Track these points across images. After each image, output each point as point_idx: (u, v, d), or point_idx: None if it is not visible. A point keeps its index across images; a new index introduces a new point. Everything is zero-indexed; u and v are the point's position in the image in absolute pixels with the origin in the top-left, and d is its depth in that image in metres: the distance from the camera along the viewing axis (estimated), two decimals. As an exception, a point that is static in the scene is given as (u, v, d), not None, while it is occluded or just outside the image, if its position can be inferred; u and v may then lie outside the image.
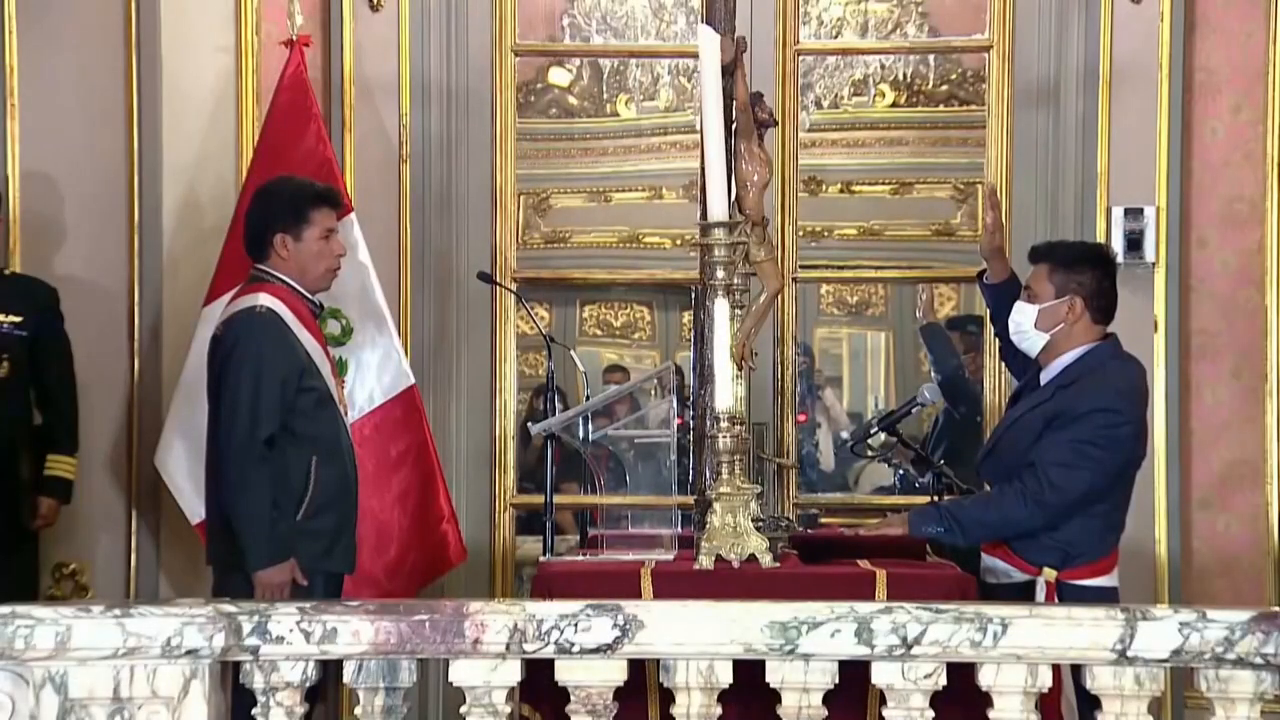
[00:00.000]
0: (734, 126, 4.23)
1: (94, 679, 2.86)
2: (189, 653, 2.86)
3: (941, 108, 7.84)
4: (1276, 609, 2.92)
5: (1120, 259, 5.19)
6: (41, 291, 5.02)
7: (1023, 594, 4.00)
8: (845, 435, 7.54)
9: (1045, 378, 4.10)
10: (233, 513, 4.11)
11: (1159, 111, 5.22)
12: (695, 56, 4.47)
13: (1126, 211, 5.23)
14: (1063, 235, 5.32)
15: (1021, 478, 3.96)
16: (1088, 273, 4.07)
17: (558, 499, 4.73)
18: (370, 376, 5.08)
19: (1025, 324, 4.10)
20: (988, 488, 4.26)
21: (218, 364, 4.18)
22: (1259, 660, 2.83)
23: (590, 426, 4.91)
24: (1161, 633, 2.85)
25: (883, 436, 4.83)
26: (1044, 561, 4.00)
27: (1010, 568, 4.04)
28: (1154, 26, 5.22)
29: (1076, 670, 3.01)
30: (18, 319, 4.94)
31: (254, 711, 2.96)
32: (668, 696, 3.01)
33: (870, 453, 5.12)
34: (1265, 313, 5.23)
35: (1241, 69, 5.24)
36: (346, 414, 4.39)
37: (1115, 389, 3.99)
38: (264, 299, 4.17)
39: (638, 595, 3.83)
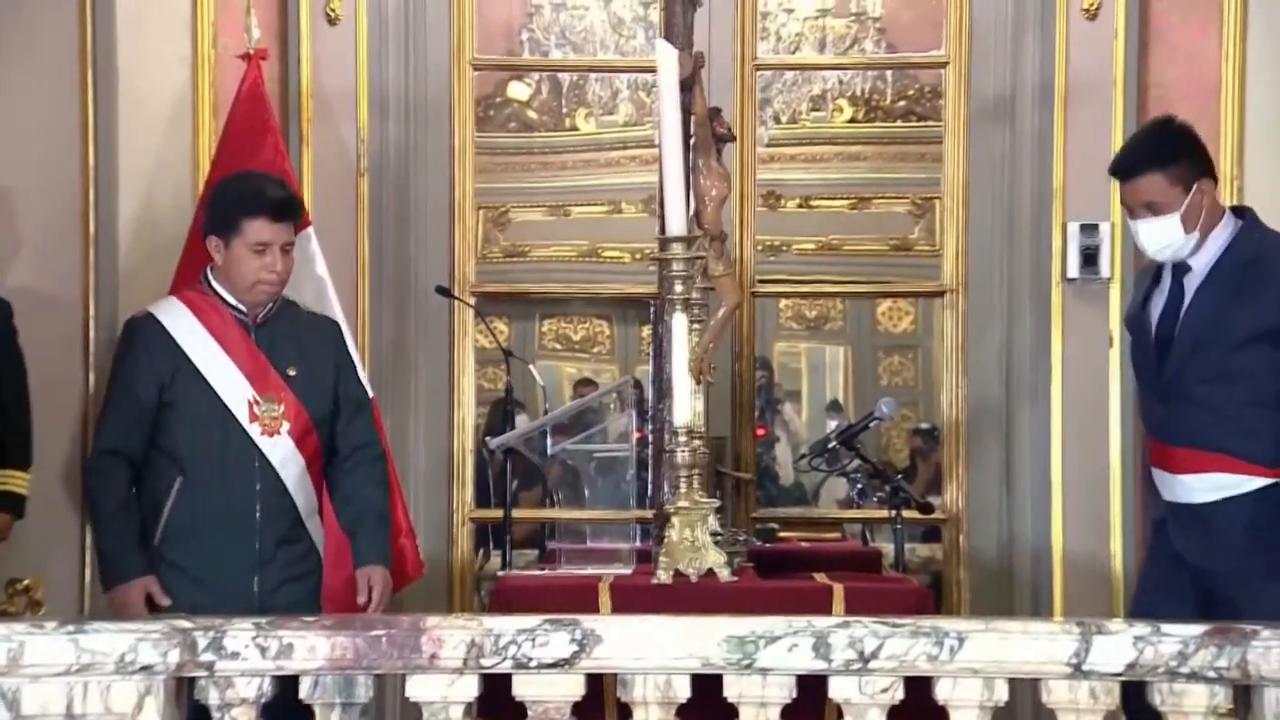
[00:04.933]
0: (692, 141, 4.25)
1: (47, 696, 2.84)
2: (143, 669, 2.84)
3: (899, 123, 7.89)
4: (1229, 623, 2.94)
5: (1076, 275, 5.24)
6: None
7: (1258, 505, 3.75)
8: (804, 449, 7.56)
9: (1202, 263, 3.85)
10: (92, 521, 4.11)
11: (1114, 127, 5.24)
12: (654, 71, 4.48)
13: (1082, 227, 5.25)
14: (1018, 250, 5.37)
15: None
16: (1192, 149, 3.89)
17: (516, 513, 4.73)
18: (328, 390, 5.05)
19: (1174, 237, 3.84)
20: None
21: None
22: (1212, 674, 2.85)
23: (549, 441, 4.92)
24: (1116, 646, 2.86)
25: (840, 450, 4.85)
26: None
27: (1240, 477, 3.79)
28: (1109, 43, 5.25)
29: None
30: None
31: (209, 728, 2.94)
32: (625, 711, 3.01)
33: (826, 467, 5.14)
34: (1220, 329, 5.26)
35: (1195, 86, 5.28)
36: (274, 435, 4.06)
37: None
38: (156, 305, 4.14)
39: (596, 609, 3.84)
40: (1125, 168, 3.95)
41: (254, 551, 4.02)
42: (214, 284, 4.13)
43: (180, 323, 4.06)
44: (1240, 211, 3.99)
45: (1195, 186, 3.85)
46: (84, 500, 4.06)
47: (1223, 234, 3.88)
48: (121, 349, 4.13)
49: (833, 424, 8.06)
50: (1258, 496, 3.79)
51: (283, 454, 4.07)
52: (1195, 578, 3.87)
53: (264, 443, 4.04)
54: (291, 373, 4.12)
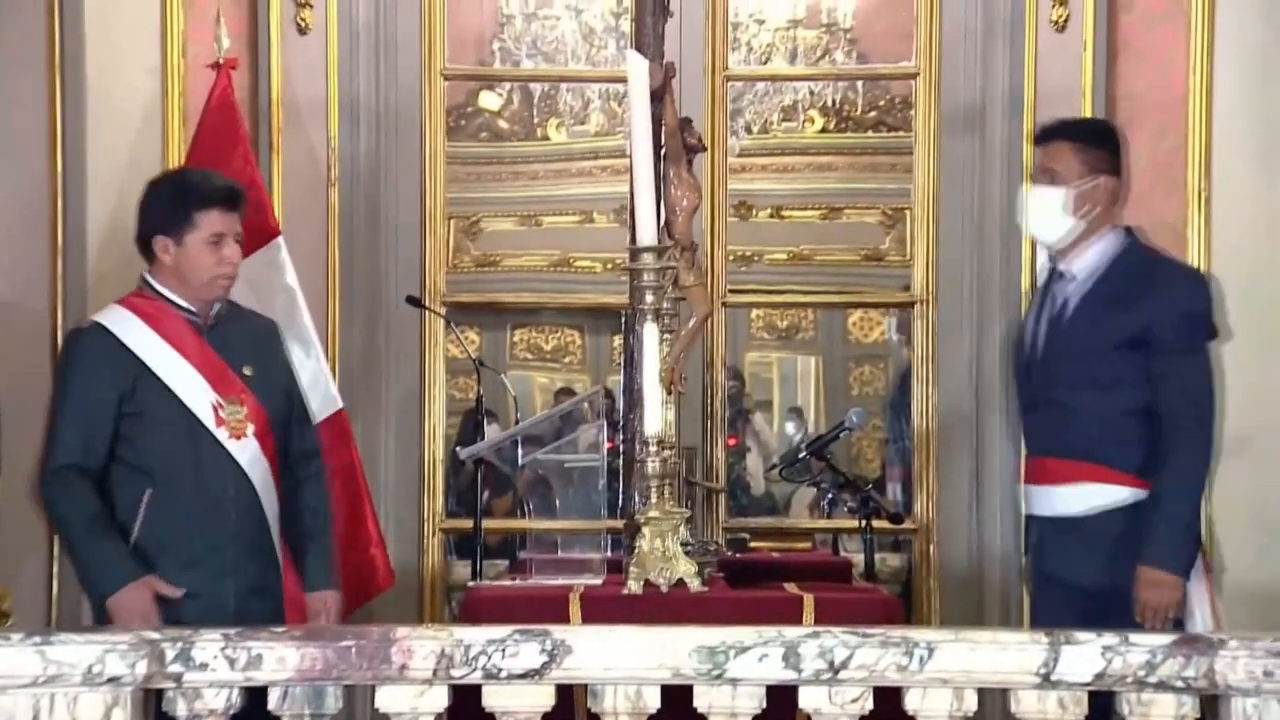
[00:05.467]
0: (663, 152, 4.26)
1: (13, 707, 2.82)
2: (111, 680, 2.83)
3: (870, 134, 7.89)
4: (1197, 633, 2.95)
5: (1046, 284, 5.26)
6: None
7: (1125, 519, 3.71)
8: (775, 459, 7.56)
9: (1079, 269, 3.82)
10: (66, 542, 3.97)
11: (1083, 139, 5.27)
12: (625, 82, 4.48)
13: (1052, 237, 5.27)
14: (989, 260, 5.39)
15: (1171, 410, 3.67)
16: (1118, 150, 3.87)
17: (487, 523, 4.72)
18: (298, 400, 5.03)
19: (1054, 210, 3.81)
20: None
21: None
22: (1180, 684, 2.86)
23: (521, 450, 4.91)
24: (1085, 656, 2.87)
25: (810, 459, 4.86)
26: (1150, 471, 3.72)
27: (1113, 488, 3.75)
28: (1077, 54, 5.28)
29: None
30: None
31: (177, 740, 2.93)
32: (596, 721, 3.01)
33: (797, 477, 5.14)
34: (1188, 338, 5.28)
35: (1163, 97, 5.31)
36: (240, 438, 3.98)
37: (1190, 278, 3.86)
38: (103, 315, 4.00)
39: (566, 620, 3.83)
40: (1043, 132, 3.96)
41: (228, 559, 3.96)
42: (158, 287, 4.02)
43: (132, 331, 3.95)
44: (1130, 230, 3.98)
45: (1098, 176, 3.81)
46: (49, 521, 3.93)
47: (1108, 244, 3.85)
48: (69, 361, 4.00)
49: (790, 427, 8.07)
50: (1129, 510, 3.75)
51: (250, 456, 4.01)
52: (1070, 598, 3.82)
53: (232, 446, 3.98)
54: (248, 372, 4.04)
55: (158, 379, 3.92)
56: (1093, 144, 3.86)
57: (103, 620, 3.86)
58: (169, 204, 4.01)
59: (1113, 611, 3.68)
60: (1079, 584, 3.80)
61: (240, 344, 4.09)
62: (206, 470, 3.95)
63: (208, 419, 3.95)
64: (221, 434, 3.95)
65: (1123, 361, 3.76)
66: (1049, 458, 3.84)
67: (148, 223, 4.04)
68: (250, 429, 3.99)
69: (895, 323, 6.77)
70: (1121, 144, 3.97)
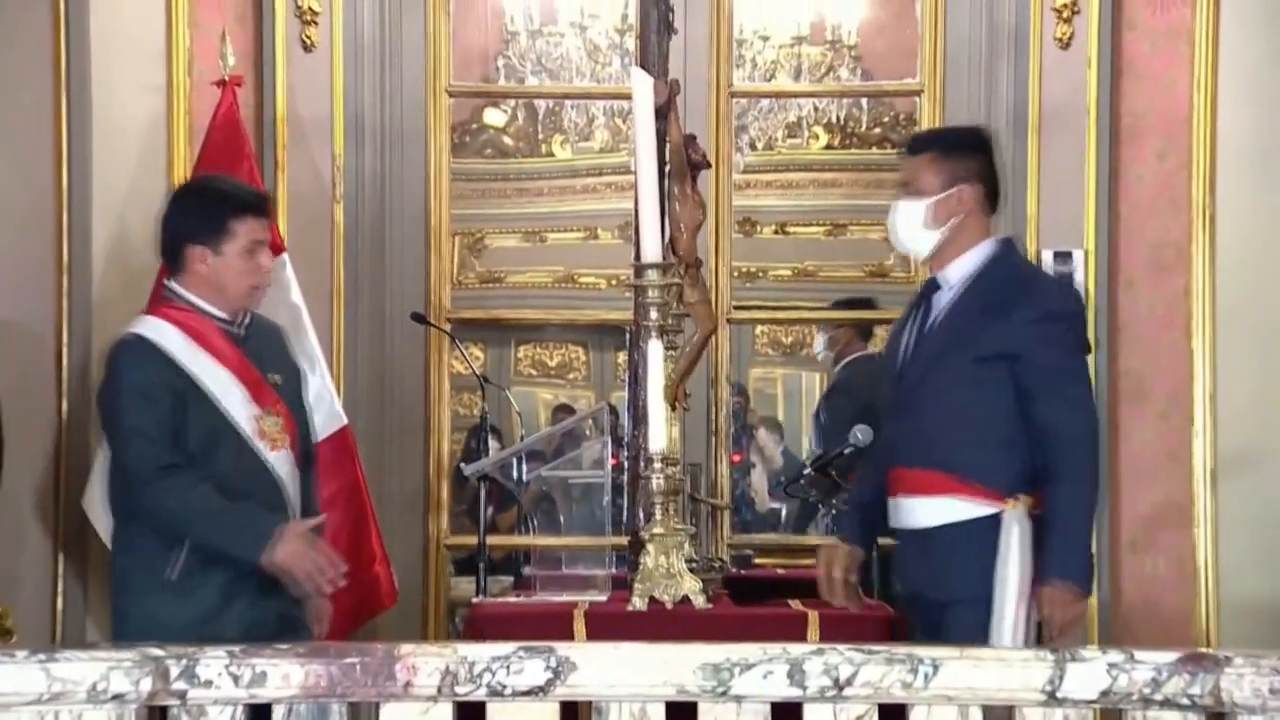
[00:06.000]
0: (668, 169, 4.26)
1: (18, 725, 2.82)
2: (115, 698, 2.82)
3: (874, 150, 7.91)
4: (1203, 650, 2.94)
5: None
6: None
7: (982, 535, 3.61)
8: (781, 476, 7.56)
9: (949, 280, 3.77)
10: (193, 536, 3.74)
11: (1087, 156, 5.28)
12: (630, 98, 4.49)
13: (1056, 254, 5.28)
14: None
15: (1051, 427, 3.59)
16: (977, 157, 3.80)
17: (492, 540, 4.72)
18: (302, 417, 5.03)
19: (914, 224, 3.76)
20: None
21: (102, 406, 3.90)
22: (1185, 701, 2.85)
23: (525, 467, 4.91)
24: (1090, 674, 2.86)
25: (815, 477, 4.85)
26: (1017, 487, 3.62)
27: (968, 503, 3.66)
28: (1082, 72, 5.29)
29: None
30: None
31: (181, 757, 2.92)
32: (600, 739, 3.00)
33: (802, 494, 5.14)
34: (1191, 356, 5.29)
35: (1167, 115, 5.31)
36: (278, 449, 3.89)
37: (1062, 290, 3.83)
38: (140, 326, 3.87)
39: (571, 637, 3.82)
40: (908, 146, 3.95)
41: (270, 575, 3.84)
42: (190, 297, 3.91)
43: (173, 341, 3.83)
44: (1007, 241, 3.93)
45: (956, 186, 3.75)
46: (164, 529, 3.74)
47: (980, 254, 3.77)
48: (121, 372, 3.82)
49: (766, 435, 8.03)
50: (982, 525, 3.65)
51: (288, 469, 3.94)
52: (922, 613, 3.76)
53: (270, 458, 3.89)
54: (278, 380, 3.96)
55: (200, 390, 3.81)
56: (952, 154, 3.79)
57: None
58: (203, 213, 3.90)
59: (956, 625, 3.62)
60: (930, 598, 3.75)
61: (267, 351, 4.01)
62: (249, 483, 3.85)
63: (249, 431, 3.85)
64: (263, 446, 3.87)
65: (987, 374, 3.67)
66: (908, 468, 3.76)
67: (180, 232, 3.92)
68: (285, 440, 3.92)
69: (827, 338, 6.72)
70: (980, 144, 3.88)
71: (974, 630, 3.57)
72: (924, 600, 3.78)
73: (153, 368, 3.79)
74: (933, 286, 3.85)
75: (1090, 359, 5.15)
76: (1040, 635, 3.63)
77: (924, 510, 3.73)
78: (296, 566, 3.78)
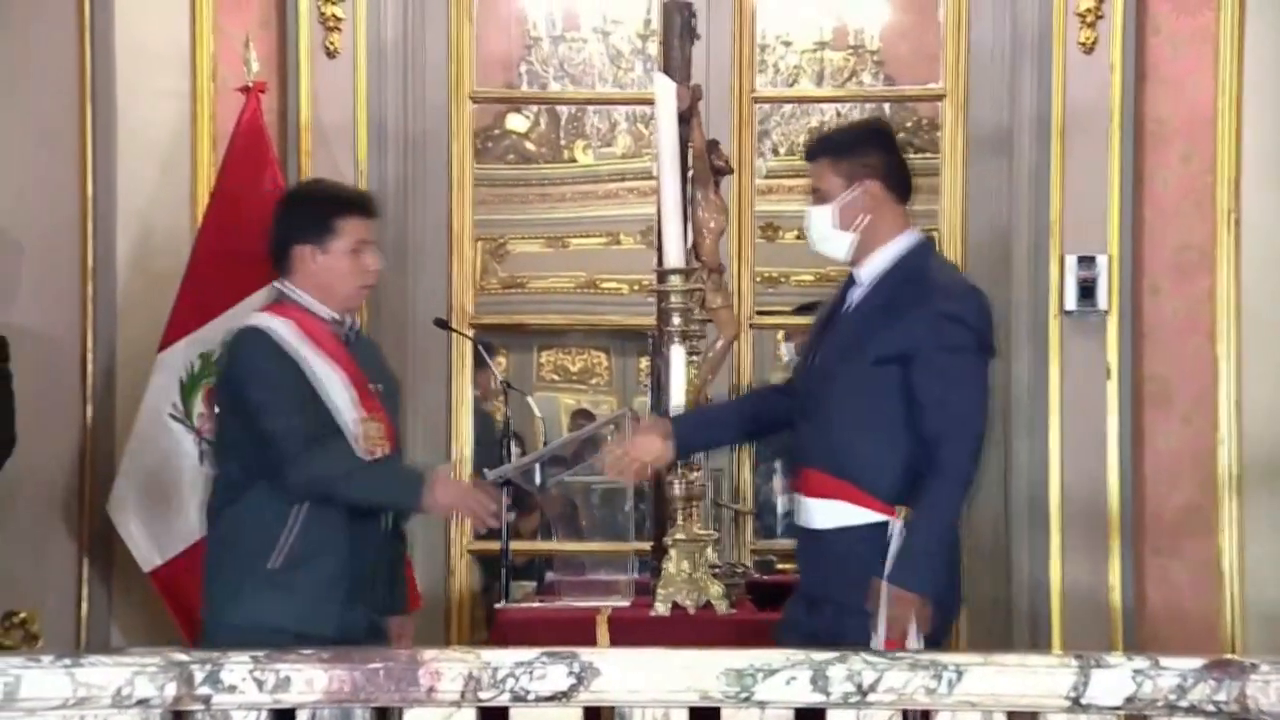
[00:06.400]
0: (690, 174, 4.26)
1: (43, 729, 2.83)
2: (140, 702, 2.83)
3: (897, 155, 7.89)
4: (1229, 656, 2.93)
5: (1073, 307, 5.25)
6: None
7: (870, 542, 3.57)
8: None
9: (868, 276, 3.73)
10: (353, 494, 3.74)
11: (1110, 160, 5.27)
12: (652, 104, 4.49)
13: (1079, 259, 5.26)
14: (1016, 283, 5.37)
15: (933, 430, 3.55)
16: (873, 152, 3.75)
17: (514, 545, 4.72)
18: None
19: (825, 228, 3.73)
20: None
21: (225, 392, 3.84)
22: (1211, 708, 2.84)
23: (548, 472, 4.91)
24: (1115, 680, 2.85)
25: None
26: (903, 499, 3.58)
27: (858, 509, 3.61)
28: (1105, 77, 5.27)
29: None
30: None
31: (205, 761, 2.93)
32: (623, 745, 3.00)
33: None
34: (1216, 361, 5.27)
35: (1190, 119, 5.30)
36: (378, 453, 3.81)
37: (964, 290, 3.71)
38: (256, 320, 3.84)
39: (594, 642, 3.83)
40: (806, 152, 3.89)
41: (364, 584, 3.84)
42: (300, 297, 3.86)
43: (291, 338, 3.78)
44: (924, 239, 3.87)
45: (859, 185, 3.71)
46: (322, 499, 3.73)
47: (894, 250, 3.72)
48: (250, 355, 3.77)
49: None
50: (868, 531, 3.60)
51: None
52: (809, 610, 3.71)
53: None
54: (379, 389, 3.92)
55: (315, 388, 3.78)
56: (847, 154, 3.74)
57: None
58: (311, 213, 3.89)
59: (842, 629, 3.57)
60: (814, 594, 3.71)
61: (369, 360, 3.98)
62: None
63: (353, 434, 3.82)
64: (363, 450, 3.81)
65: (884, 379, 3.61)
66: (810, 469, 3.72)
67: (288, 233, 3.88)
68: (384, 447, 3.85)
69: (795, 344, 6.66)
70: (878, 137, 3.82)
71: (859, 637, 3.52)
72: (814, 599, 3.72)
73: (276, 354, 3.77)
74: (851, 282, 3.81)
75: (1113, 369, 5.16)
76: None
77: (819, 512, 3.68)
78: (461, 505, 3.82)
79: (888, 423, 3.61)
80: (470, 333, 5.44)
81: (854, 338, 3.68)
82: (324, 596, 3.77)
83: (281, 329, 3.79)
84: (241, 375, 3.80)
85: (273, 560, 3.76)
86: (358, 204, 3.92)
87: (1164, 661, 2.86)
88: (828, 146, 3.80)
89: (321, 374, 3.78)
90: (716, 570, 4.08)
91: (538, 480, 4.85)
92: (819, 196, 3.75)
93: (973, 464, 3.64)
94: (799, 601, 3.78)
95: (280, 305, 3.87)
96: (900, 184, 3.75)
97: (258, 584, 3.77)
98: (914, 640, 3.53)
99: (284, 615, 3.72)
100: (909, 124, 7.68)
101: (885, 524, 3.58)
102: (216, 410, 3.90)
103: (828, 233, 3.74)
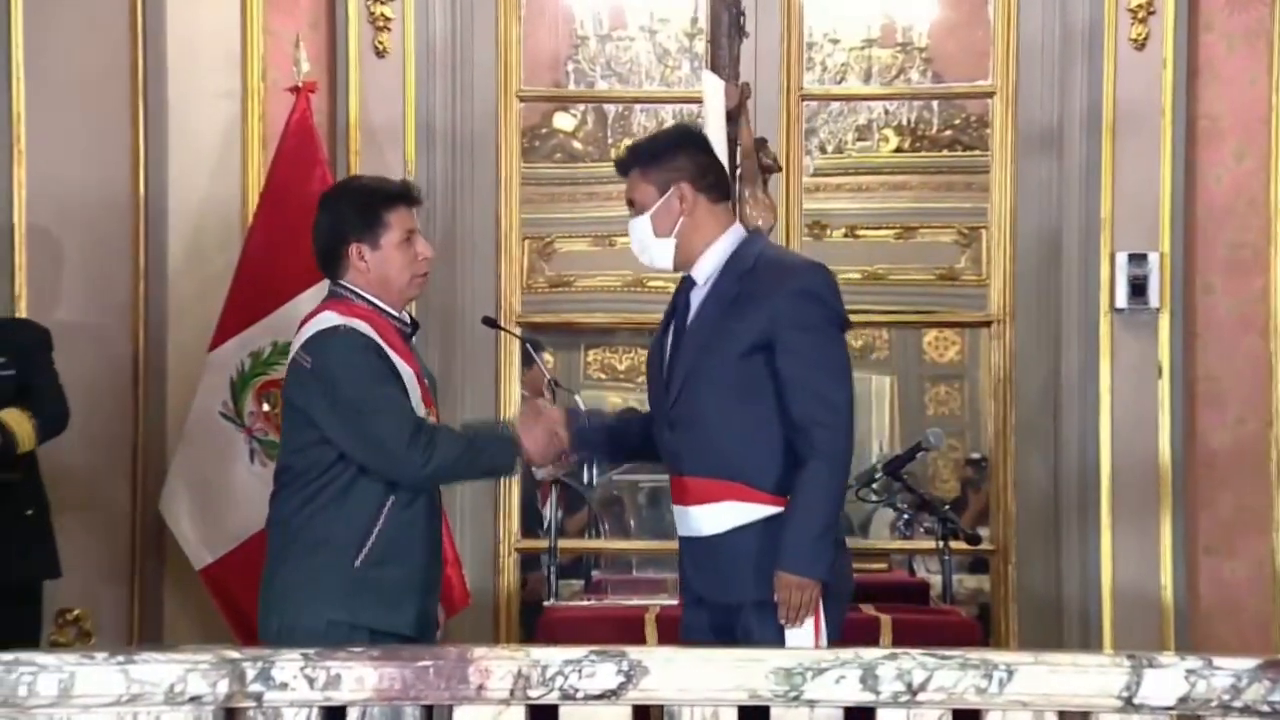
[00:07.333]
0: (739, 172, 4.26)
1: (97, 726, 2.85)
2: (192, 699, 2.85)
3: (945, 153, 7.88)
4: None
5: (1124, 305, 5.22)
6: (29, 332, 4.86)
7: (767, 535, 3.54)
8: (851, 479, 7.54)
9: (703, 275, 3.70)
10: (466, 474, 3.88)
11: (1162, 157, 5.23)
12: (699, 102, 4.49)
13: (1131, 257, 5.23)
14: (1066, 281, 5.34)
15: (801, 413, 3.52)
16: (679, 155, 3.71)
17: (562, 543, 4.72)
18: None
19: (645, 238, 3.73)
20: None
21: (321, 393, 3.72)
22: (1266, 708, 2.82)
23: (596, 471, 4.92)
24: (1168, 680, 2.83)
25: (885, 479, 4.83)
26: (791, 486, 3.55)
27: (749, 506, 3.59)
28: (1157, 73, 5.24)
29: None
30: (1, 360, 4.80)
31: (257, 758, 2.94)
32: (672, 743, 3.00)
33: (874, 497, 5.11)
34: (1270, 359, 5.23)
35: (1244, 115, 5.26)
36: None
37: (811, 267, 3.70)
38: (335, 319, 3.75)
39: (642, 640, 3.83)
40: (617, 166, 3.85)
41: (434, 574, 3.85)
42: (364, 296, 3.80)
43: (376, 337, 3.75)
44: (751, 232, 3.86)
45: (672, 190, 3.67)
46: (443, 480, 3.82)
47: (725, 245, 3.69)
48: (342, 351, 3.70)
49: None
50: (764, 526, 3.57)
51: None
52: (712, 615, 3.66)
53: None
54: (428, 382, 3.91)
55: (404, 385, 3.75)
56: (654, 162, 3.71)
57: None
58: (357, 209, 3.82)
59: (754, 628, 3.55)
60: (719, 601, 3.67)
61: (421, 352, 3.99)
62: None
63: None
64: None
65: (750, 368, 3.58)
66: (686, 476, 3.66)
67: (337, 232, 3.82)
68: None
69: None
70: (686, 140, 3.78)
71: (770, 630, 3.52)
72: (710, 603, 3.67)
73: (375, 355, 3.74)
74: (689, 284, 3.78)
75: (1165, 367, 5.12)
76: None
77: (707, 518, 3.64)
78: (549, 449, 3.79)
79: (764, 414, 3.59)
80: (518, 331, 5.44)
81: (713, 335, 3.64)
82: (405, 593, 3.75)
83: (363, 326, 3.75)
84: (338, 374, 3.73)
85: (359, 558, 3.72)
86: (402, 194, 3.87)
87: (1217, 661, 2.84)
88: (637, 158, 3.76)
89: (402, 372, 3.76)
90: (764, 569, 4.06)
91: (586, 479, 4.86)
92: (635, 208, 3.74)
93: (847, 440, 3.61)
94: (696, 608, 3.72)
95: (345, 304, 3.80)
96: (715, 184, 3.73)
97: (342, 582, 3.71)
98: (823, 626, 3.52)
99: (366, 613, 3.69)
100: (957, 121, 7.66)
101: (779, 515, 3.56)
102: (289, 409, 3.86)
103: (648, 242, 3.73)
